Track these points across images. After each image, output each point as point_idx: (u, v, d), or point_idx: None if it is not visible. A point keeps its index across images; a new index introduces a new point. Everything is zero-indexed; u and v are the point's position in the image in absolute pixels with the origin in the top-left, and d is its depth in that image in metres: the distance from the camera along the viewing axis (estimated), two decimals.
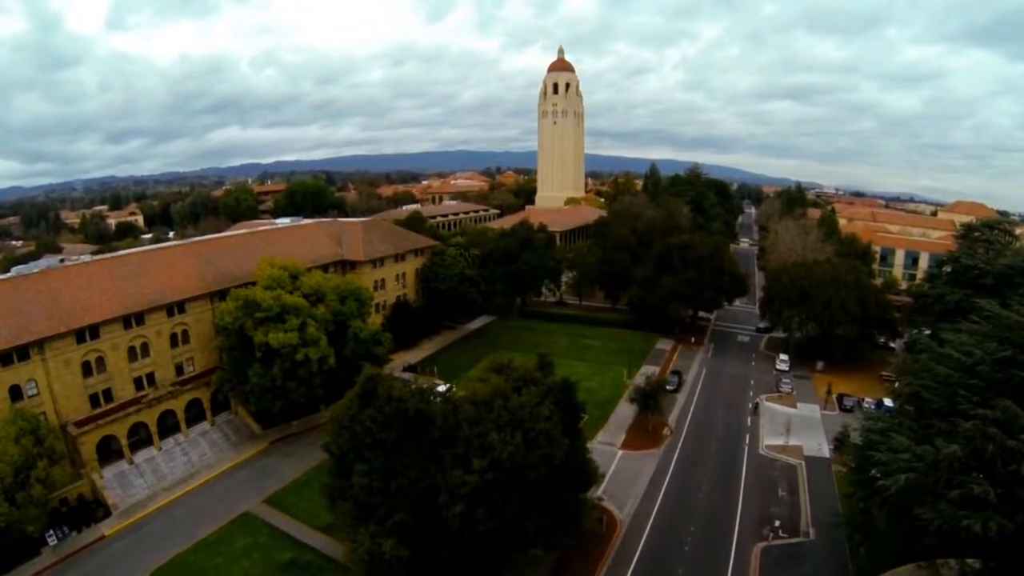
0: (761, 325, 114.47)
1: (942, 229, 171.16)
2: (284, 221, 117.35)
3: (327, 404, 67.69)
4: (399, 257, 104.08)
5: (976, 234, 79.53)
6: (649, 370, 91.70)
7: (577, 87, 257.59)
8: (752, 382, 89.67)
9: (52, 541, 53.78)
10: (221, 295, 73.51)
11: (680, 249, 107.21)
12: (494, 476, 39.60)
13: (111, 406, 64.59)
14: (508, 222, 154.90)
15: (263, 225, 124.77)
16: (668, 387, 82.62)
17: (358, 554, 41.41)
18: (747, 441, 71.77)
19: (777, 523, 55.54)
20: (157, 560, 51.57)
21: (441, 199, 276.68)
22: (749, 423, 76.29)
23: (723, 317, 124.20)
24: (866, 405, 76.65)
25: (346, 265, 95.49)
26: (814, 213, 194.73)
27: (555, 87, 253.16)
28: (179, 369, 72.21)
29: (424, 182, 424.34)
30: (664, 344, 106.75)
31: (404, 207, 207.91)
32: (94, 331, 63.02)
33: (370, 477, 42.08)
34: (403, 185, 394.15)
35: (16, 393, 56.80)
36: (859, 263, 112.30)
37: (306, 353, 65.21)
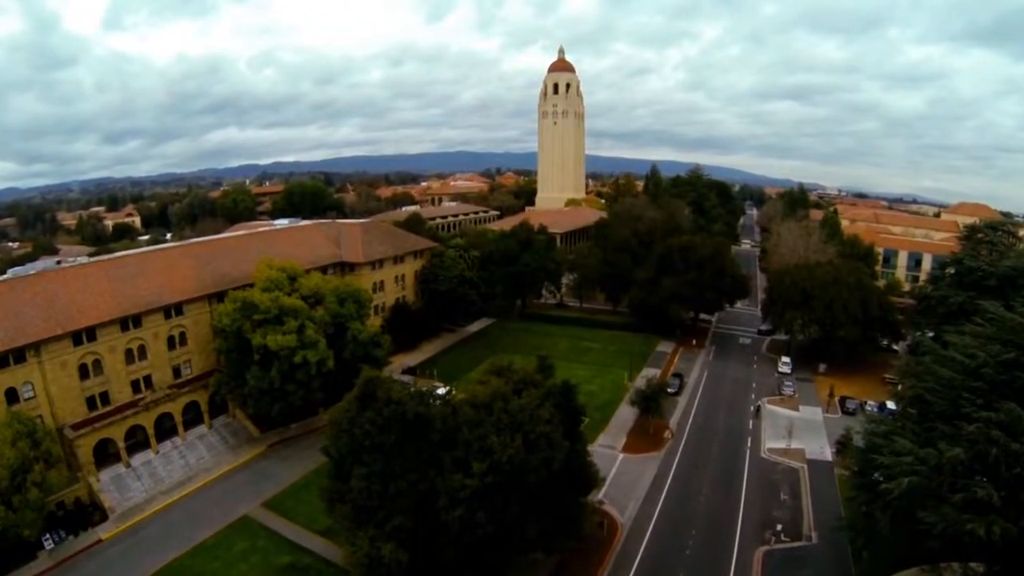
0: (763, 327, 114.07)
1: (945, 230, 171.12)
2: (282, 222, 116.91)
3: (326, 407, 67.16)
4: (398, 259, 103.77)
5: (979, 235, 79.44)
6: (650, 373, 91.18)
7: (577, 87, 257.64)
8: (754, 385, 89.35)
9: (48, 545, 53.33)
10: (219, 297, 73.05)
11: (681, 250, 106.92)
12: (494, 479, 39.39)
13: (108, 409, 64.11)
14: (508, 223, 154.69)
15: (261, 226, 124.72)
16: (669, 390, 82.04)
17: (357, 558, 41.13)
18: (749, 444, 71.44)
19: (779, 527, 55.17)
20: (154, 564, 51.13)
21: (440, 200, 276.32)
22: (751, 426, 75.96)
23: (724, 319, 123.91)
24: (869, 408, 76.27)
25: (345, 267, 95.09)
26: (816, 214, 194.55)
27: (555, 87, 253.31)
28: (176, 372, 71.75)
29: (423, 183, 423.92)
30: (665, 346, 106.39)
31: (403, 208, 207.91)
32: (91, 333, 62.57)
33: (369, 480, 41.78)
34: (402, 186, 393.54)
35: (12, 396, 56.30)
36: (862, 265, 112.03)
37: (304, 355, 64.84)
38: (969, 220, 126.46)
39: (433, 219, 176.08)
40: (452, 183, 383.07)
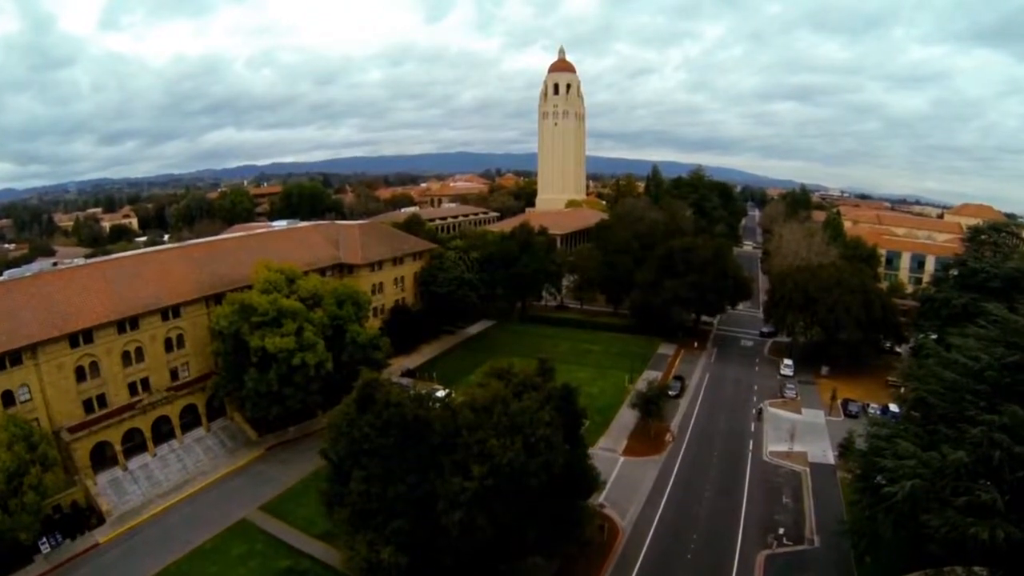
0: (765, 329, 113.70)
1: (948, 232, 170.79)
2: (281, 224, 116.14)
3: (324, 410, 66.98)
4: (397, 260, 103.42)
5: (983, 237, 79.15)
6: (651, 375, 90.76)
7: (578, 88, 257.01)
8: (756, 387, 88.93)
9: (45, 549, 52.93)
10: (217, 299, 72.75)
11: (683, 252, 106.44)
12: (494, 483, 39.05)
13: (105, 412, 63.67)
14: (508, 225, 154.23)
15: (259, 228, 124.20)
16: (670, 392, 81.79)
17: (356, 562, 40.90)
18: (751, 447, 71.12)
19: (781, 530, 54.80)
20: (152, 568, 50.79)
21: (440, 202, 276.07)
22: (753, 429, 75.63)
23: (726, 321, 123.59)
24: (871, 411, 75.87)
25: (344, 268, 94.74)
26: (819, 216, 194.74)
27: (556, 88, 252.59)
28: (174, 374, 71.29)
29: (423, 184, 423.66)
30: (666, 349, 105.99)
31: (402, 210, 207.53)
32: (88, 335, 62.14)
33: (368, 484, 41.47)
34: (401, 187, 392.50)
35: (8, 399, 55.99)
36: (864, 266, 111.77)
37: (303, 358, 64.52)
38: (972, 221, 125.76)
39: (432, 220, 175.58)
40: (452, 184, 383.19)
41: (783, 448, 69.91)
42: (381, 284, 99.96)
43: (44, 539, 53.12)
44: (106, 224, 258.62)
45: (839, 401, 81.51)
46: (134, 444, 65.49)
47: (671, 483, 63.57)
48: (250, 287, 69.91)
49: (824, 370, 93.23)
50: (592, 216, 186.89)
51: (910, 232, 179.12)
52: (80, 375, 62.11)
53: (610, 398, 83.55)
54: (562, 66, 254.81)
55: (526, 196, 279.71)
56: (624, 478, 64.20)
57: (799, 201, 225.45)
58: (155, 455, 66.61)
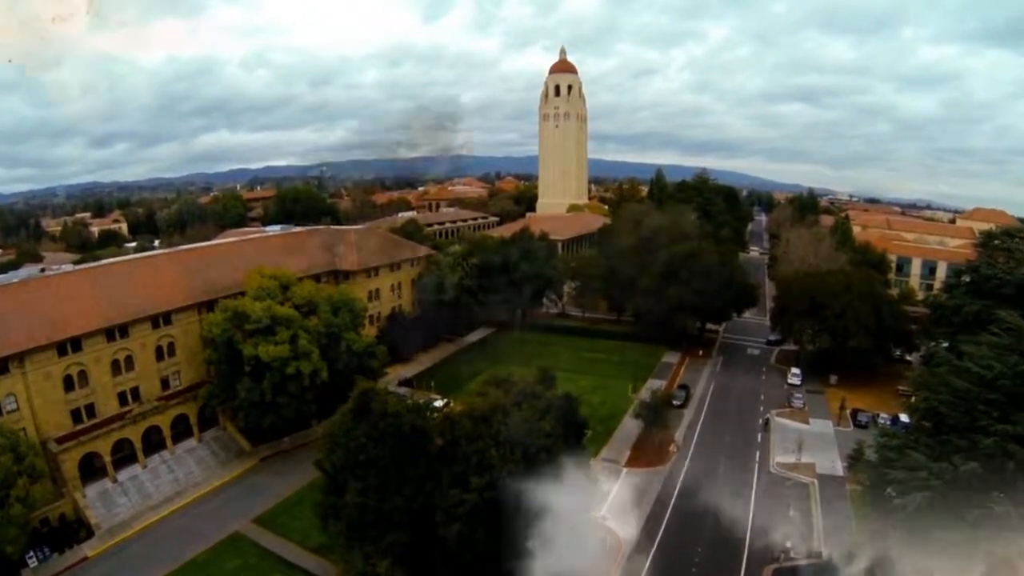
0: (772, 337, 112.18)
1: (960, 237, 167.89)
2: (274, 229, 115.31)
3: (319, 420, 66.53)
4: (394, 266, 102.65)
5: (996, 242, 77.75)
6: (655, 384, 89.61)
7: (580, 89, 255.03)
8: (762, 397, 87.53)
9: (32, 563, 52.31)
10: (209, 306, 72.06)
11: (687, 258, 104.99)
12: (493, 495, 38.81)
13: (94, 422, 62.83)
14: (508, 230, 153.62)
15: (252, 233, 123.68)
16: (675, 402, 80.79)
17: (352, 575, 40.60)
18: (757, 458, 69.89)
19: (788, 544, 53.39)
20: None
21: (438, 206, 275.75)
22: (759, 440, 74.33)
23: (732, 329, 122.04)
24: (881, 421, 74.66)
25: (339, 275, 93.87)
26: (827, 220, 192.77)
27: (556, 89, 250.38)
28: (165, 383, 70.44)
29: (420, 188, 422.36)
30: (670, 357, 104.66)
31: (400, 214, 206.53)
32: (76, 343, 61.33)
33: (364, 495, 41.06)
34: (399, 191, 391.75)
35: None
36: (874, 272, 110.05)
37: (297, 367, 63.73)
38: (985, 226, 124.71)
39: (431, 225, 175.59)
40: (450, 188, 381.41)
41: (790, 459, 68.70)
42: (378, 291, 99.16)
43: (31, 553, 52.50)
44: (95, 229, 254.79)
45: (848, 411, 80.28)
46: (124, 455, 64.44)
47: (675, 495, 62.41)
48: (243, 294, 69.12)
49: (833, 379, 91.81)
50: (594, 221, 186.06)
51: (921, 237, 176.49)
52: (68, 384, 61.24)
53: (613, 408, 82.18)
54: (563, 67, 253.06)
55: (527, 200, 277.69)
56: (627, 490, 62.91)
57: (807, 205, 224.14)
58: (146, 466, 65.55)
